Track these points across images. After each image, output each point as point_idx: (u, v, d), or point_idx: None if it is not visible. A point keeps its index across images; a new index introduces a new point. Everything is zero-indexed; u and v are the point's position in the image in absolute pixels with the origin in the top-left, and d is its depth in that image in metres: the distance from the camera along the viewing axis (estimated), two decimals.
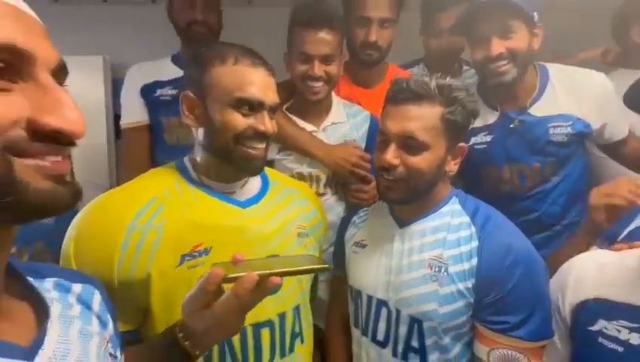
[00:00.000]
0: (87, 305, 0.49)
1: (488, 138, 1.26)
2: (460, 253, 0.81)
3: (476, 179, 1.30)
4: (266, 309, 0.75)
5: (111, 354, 0.48)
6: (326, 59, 1.13)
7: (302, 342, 0.84)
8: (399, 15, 1.34)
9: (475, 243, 0.80)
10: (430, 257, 0.83)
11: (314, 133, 1.22)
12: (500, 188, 1.28)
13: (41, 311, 0.42)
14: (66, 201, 0.36)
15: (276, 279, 0.53)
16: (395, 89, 0.84)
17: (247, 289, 0.51)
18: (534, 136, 1.21)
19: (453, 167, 0.87)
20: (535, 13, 1.14)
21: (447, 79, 0.82)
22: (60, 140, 0.34)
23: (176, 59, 1.48)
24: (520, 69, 1.15)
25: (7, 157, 0.32)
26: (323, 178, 1.22)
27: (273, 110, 0.78)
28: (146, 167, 1.40)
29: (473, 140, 1.27)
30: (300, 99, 1.22)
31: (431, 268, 0.82)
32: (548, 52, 1.58)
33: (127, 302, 0.68)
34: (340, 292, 1.03)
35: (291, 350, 0.81)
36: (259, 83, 0.74)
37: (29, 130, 0.32)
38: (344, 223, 1.05)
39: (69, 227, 0.70)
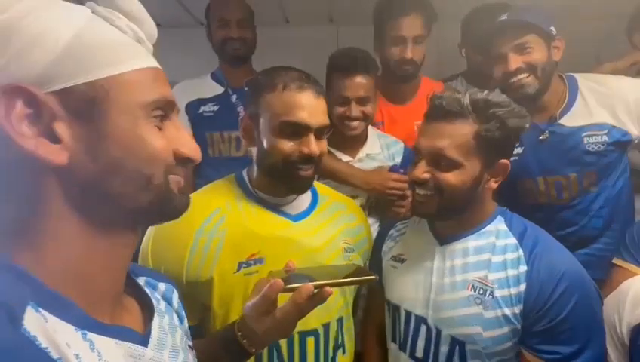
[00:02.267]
0: (169, 302, 0.52)
1: (519, 150, 1.17)
2: (507, 277, 0.72)
3: (513, 192, 1.21)
4: (311, 319, 0.74)
5: (189, 346, 0.51)
6: (362, 101, 1.14)
7: (344, 353, 0.83)
8: (430, 30, 1.31)
9: (523, 268, 0.71)
10: (474, 278, 0.75)
11: (350, 163, 1.22)
12: (537, 201, 1.19)
13: (144, 304, 0.46)
14: (186, 208, 0.44)
15: (328, 289, 0.53)
16: (431, 106, 0.77)
17: (305, 299, 0.52)
18: (567, 147, 1.12)
19: (493, 185, 0.78)
20: (552, 27, 1.07)
21: (485, 93, 0.73)
22: (186, 165, 0.42)
23: (215, 77, 1.47)
24: (542, 80, 1.07)
25: (166, 177, 0.40)
26: (358, 201, 1.20)
27: (322, 132, 0.75)
28: (189, 179, 1.42)
29: None
30: (337, 132, 1.22)
31: (474, 290, 0.74)
32: (591, 57, 1.44)
33: (192, 299, 0.71)
34: (375, 304, 0.97)
35: (333, 360, 0.80)
36: (306, 106, 0.72)
37: (174, 158, 0.41)
38: (381, 236, 0.99)
39: (148, 229, 0.73)
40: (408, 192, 1.15)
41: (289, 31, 1.98)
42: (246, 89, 1.40)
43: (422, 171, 0.75)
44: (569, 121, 1.12)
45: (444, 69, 1.65)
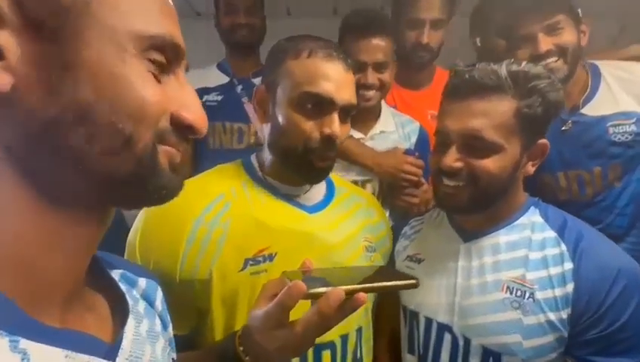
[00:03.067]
0: (150, 303, 0.42)
1: None
2: (549, 276, 0.61)
3: (531, 188, 1.11)
4: None
5: (173, 360, 0.41)
6: (379, 67, 1.02)
7: None
8: (450, 16, 1.20)
9: (569, 265, 0.60)
10: (508, 279, 0.64)
11: (362, 141, 1.09)
12: (556, 197, 1.08)
13: (116, 304, 0.36)
14: (177, 191, 0.33)
15: (363, 296, 0.42)
16: (456, 81, 0.66)
17: (333, 308, 0.41)
18: (591, 138, 1.03)
19: (530, 169, 0.68)
20: (579, 10, 0.99)
21: (523, 64, 0.63)
22: (186, 134, 0.32)
23: (221, 67, 1.40)
24: (570, 66, 0.98)
25: (155, 145, 0.30)
26: (368, 187, 1.08)
27: (347, 113, 0.64)
28: (188, 171, 1.33)
29: None
30: None
31: (510, 292, 0.63)
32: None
33: (186, 301, 0.59)
34: (387, 309, 0.85)
35: None
36: (333, 78, 0.60)
37: (171, 123, 0.31)
38: (394, 233, 0.88)
39: (137, 216, 0.62)
40: (423, 180, 1.04)
41: (291, 23, 1.89)
42: (253, 80, 1.31)
43: (453, 159, 0.64)
44: (592, 110, 1.03)
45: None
